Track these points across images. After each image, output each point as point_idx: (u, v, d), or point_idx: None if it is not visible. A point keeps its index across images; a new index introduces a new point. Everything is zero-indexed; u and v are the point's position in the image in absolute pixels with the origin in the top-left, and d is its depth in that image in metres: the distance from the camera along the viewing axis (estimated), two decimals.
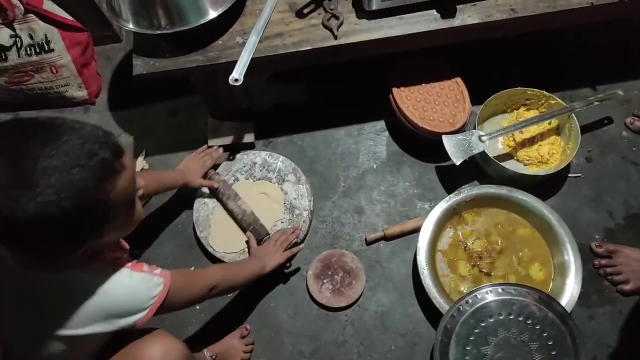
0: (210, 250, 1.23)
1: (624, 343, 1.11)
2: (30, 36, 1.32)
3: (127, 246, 0.87)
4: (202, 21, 1.05)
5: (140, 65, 1.09)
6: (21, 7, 1.27)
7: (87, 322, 0.72)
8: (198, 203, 1.28)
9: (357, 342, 1.15)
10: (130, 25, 1.07)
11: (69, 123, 0.63)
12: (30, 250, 0.66)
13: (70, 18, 1.38)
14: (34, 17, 1.30)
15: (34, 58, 1.35)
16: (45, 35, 1.33)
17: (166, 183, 1.17)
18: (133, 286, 0.76)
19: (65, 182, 0.59)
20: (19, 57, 1.34)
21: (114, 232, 0.71)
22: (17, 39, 1.31)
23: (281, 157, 1.33)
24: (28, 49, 1.33)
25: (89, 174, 0.61)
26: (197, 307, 1.19)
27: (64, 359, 0.75)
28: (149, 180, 1.07)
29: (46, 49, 1.35)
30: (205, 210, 1.27)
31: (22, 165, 0.58)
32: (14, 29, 1.31)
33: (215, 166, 1.31)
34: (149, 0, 1.03)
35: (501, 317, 1.01)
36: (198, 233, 1.24)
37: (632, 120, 1.37)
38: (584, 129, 1.33)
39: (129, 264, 0.77)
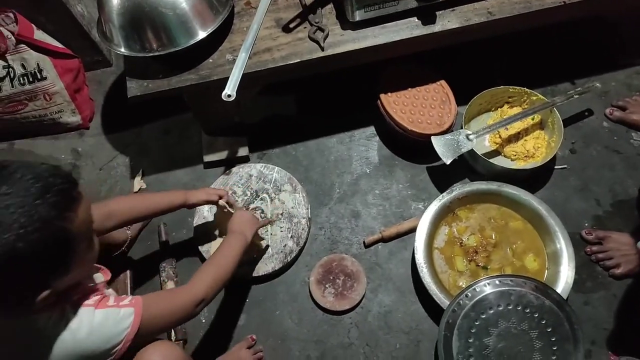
0: None
1: (620, 325, 1.15)
2: (23, 66, 1.35)
3: (108, 276, 0.85)
4: (192, 42, 1.08)
5: (135, 88, 1.12)
6: (12, 38, 1.30)
7: None
8: (197, 217, 1.30)
9: (362, 344, 1.17)
10: (123, 50, 1.10)
11: (15, 162, 0.65)
12: None
13: (61, 46, 1.41)
14: (26, 47, 1.33)
15: (27, 87, 1.38)
16: (38, 64, 1.36)
17: (161, 202, 1.11)
18: (97, 324, 0.73)
19: (29, 216, 0.60)
20: (12, 87, 1.36)
21: (77, 269, 0.70)
22: (10, 69, 1.34)
23: (276, 167, 1.36)
24: (21, 78, 1.36)
25: (51, 205, 0.63)
26: (203, 320, 1.21)
27: None
28: (134, 202, 1.07)
29: (39, 77, 1.37)
30: (204, 225, 1.29)
31: None
32: (6, 60, 1.34)
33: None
34: (139, 25, 1.06)
35: (500, 308, 1.04)
36: (200, 248, 1.26)
37: (611, 110, 1.42)
38: (566, 122, 1.37)
39: (92, 300, 0.76)
